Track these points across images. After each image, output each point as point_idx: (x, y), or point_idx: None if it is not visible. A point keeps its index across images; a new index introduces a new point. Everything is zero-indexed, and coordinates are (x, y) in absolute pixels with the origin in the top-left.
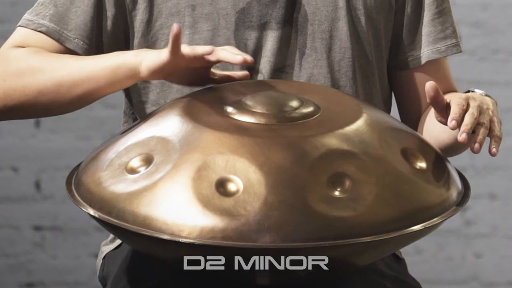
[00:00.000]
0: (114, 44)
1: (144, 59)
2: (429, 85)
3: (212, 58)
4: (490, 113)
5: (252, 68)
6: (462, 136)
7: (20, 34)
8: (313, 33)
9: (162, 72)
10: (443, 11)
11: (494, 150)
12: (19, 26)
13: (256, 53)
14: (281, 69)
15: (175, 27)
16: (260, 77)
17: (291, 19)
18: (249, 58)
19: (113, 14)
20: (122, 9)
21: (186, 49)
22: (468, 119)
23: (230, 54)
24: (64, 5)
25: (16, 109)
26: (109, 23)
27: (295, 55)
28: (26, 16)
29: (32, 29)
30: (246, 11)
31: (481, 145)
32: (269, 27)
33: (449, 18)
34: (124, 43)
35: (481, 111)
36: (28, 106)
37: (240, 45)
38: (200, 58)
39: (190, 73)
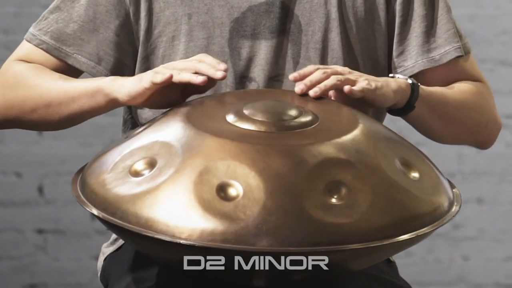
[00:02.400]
0: (122, 56)
1: (123, 86)
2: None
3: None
4: (363, 76)
5: (246, 76)
6: (298, 87)
7: (24, 48)
8: (307, 43)
9: (142, 97)
10: (436, 21)
11: (346, 88)
12: (25, 39)
13: (250, 61)
14: (275, 77)
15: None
16: (254, 85)
17: (285, 29)
18: (223, 66)
19: (116, 26)
20: (125, 21)
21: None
22: (315, 74)
23: (209, 68)
24: (64, 21)
25: (15, 121)
26: (111, 34)
27: (289, 64)
28: (31, 29)
29: (34, 45)
30: (241, 20)
31: (321, 90)
32: (262, 37)
33: (445, 25)
34: (132, 54)
35: (349, 72)
36: (24, 120)
37: (234, 53)
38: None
39: (167, 96)
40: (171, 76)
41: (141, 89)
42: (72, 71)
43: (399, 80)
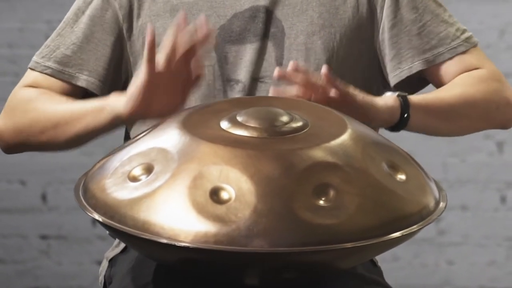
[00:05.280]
0: (118, 70)
1: (124, 98)
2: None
3: (181, 50)
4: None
5: (232, 78)
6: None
7: (30, 76)
8: (290, 45)
9: (141, 101)
10: (426, 24)
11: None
12: (29, 68)
13: (236, 64)
14: (259, 79)
15: (149, 32)
16: (240, 86)
17: (268, 33)
18: (202, 20)
19: (112, 42)
20: (120, 37)
21: (160, 57)
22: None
23: (191, 35)
24: (64, 45)
25: (25, 144)
26: (108, 50)
27: (273, 66)
28: (35, 58)
29: (39, 71)
30: (227, 27)
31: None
32: (247, 40)
33: (436, 28)
34: (124, 69)
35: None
36: (33, 143)
37: (221, 58)
38: (177, 64)
39: (167, 98)
40: (152, 37)
41: (139, 84)
42: (78, 91)
43: (385, 96)
